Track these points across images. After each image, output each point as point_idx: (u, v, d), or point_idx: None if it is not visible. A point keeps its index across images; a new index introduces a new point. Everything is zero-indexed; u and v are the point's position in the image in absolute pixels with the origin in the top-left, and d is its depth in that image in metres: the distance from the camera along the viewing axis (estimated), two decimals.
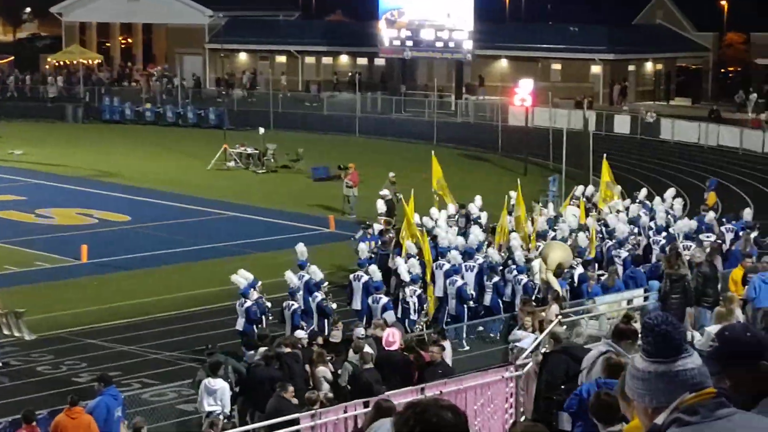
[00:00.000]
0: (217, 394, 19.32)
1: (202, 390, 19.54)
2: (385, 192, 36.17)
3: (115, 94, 75.25)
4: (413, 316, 25.74)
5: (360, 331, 21.68)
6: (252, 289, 24.96)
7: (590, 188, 36.94)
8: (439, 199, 35.01)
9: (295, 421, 17.12)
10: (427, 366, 19.58)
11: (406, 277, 26.24)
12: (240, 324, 24.67)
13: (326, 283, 26.16)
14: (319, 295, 25.39)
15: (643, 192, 36.84)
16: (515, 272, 27.43)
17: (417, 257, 27.56)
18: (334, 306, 25.69)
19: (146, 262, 34.51)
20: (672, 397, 4.13)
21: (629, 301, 25.36)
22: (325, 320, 24.99)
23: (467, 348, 25.87)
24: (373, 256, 29.42)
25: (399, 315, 25.51)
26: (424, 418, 3.88)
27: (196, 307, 29.79)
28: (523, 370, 17.69)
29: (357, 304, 26.46)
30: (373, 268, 26.47)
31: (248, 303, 24.66)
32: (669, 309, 22.06)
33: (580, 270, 27.37)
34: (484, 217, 32.80)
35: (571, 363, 13.14)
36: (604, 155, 36.43)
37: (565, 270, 26.99)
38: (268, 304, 25.21)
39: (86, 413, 17.46)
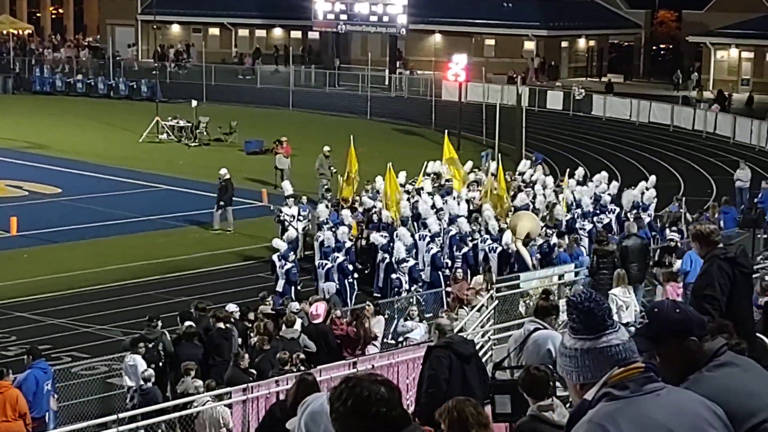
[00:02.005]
0: (130, 370, 19.23)
1: (123, 365, 19.54)
2: (222, 171, 35.49)
3: (45, 65, 74.31)
4: (404, 294, 25.86)
5: (294, 305, 21.68)
6: (292, 252, 26.38)
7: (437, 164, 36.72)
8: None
9: (228, 395, 17.14)
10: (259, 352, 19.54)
11: (403, 254, 26.58)
12: (280, 285, 25.82)
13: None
14: (340, 256, 26.65)
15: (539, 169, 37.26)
16: (489, 241, 27.67)
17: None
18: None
19: (77, 235, 34.19)
20: (599, 374, 4.17)
21: (560, 277, 25.55)
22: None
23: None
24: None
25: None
26: (356, 392, 3.92)
27: (127, 280, 29.60)
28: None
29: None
30: (404, 231, 27.58)
31: (288, 265, 25.94)
32: (598, 284, 22.28)
33: (554, 240, 27.71)
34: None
35: (453, 358, 13.55)
36: (446, 131, 35.94)
37: (534, 240, 27.27)
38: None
39: (14, 387, 17.30)
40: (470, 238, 28.10)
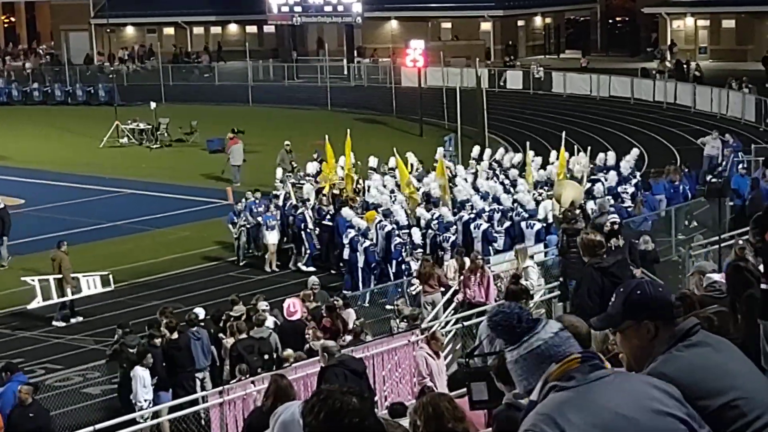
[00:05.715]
0: (139, 383, 19.04)
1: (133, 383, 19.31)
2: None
3: None
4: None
5: (263, 304, 21.57)
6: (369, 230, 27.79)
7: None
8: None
9: (204, 399, 17.07)
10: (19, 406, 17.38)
11: (418, 240, 27.51)
12: (361, 261, 27.41)
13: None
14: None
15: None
16: (525, 215, 28.41)
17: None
18: None
19: (42, 246, 33.85)
20: (537, 377, 4.27)
21: (531, 257, 25.54)
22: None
23: None
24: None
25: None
26: (328, 403, 3.92)
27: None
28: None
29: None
30: (445, 210, 28.45)
31: (366, 242, 27.35)
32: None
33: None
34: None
35: (348, 374, 14.63)
36: (347, 131, 35.08)
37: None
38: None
39: None
40: (511, 212, 28.80)
